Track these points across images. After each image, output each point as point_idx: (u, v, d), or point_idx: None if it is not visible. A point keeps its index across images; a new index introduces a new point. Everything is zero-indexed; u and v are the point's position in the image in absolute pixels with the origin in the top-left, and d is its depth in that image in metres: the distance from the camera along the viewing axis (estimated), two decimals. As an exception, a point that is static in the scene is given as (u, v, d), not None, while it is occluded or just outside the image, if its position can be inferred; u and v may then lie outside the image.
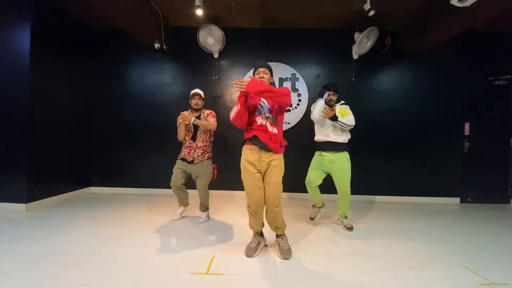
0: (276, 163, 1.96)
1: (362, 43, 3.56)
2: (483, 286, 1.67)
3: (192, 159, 2.71)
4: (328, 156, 2.65)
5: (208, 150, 2.80)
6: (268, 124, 1.94)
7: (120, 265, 1.81)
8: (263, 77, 1.99)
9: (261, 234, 2.17)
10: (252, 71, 2.18)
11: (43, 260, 1.85)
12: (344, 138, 2.67)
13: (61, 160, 3.60)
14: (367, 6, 2.96)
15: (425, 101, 3.92)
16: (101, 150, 4.14)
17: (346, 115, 2.64)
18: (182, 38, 4.01)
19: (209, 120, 2.75)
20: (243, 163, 1.98)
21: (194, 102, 2.75)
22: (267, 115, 1.96)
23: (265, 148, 1.93)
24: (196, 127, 2.72)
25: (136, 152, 4.12)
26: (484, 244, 2.38)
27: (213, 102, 4.05)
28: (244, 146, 2.04)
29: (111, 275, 1.67)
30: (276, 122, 1.98)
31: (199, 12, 3.14)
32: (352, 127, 2.62)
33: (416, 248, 2.23)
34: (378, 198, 3.93)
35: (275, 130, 1.96)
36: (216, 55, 3.92)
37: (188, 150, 2.74)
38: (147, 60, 4.08)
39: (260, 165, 1.95)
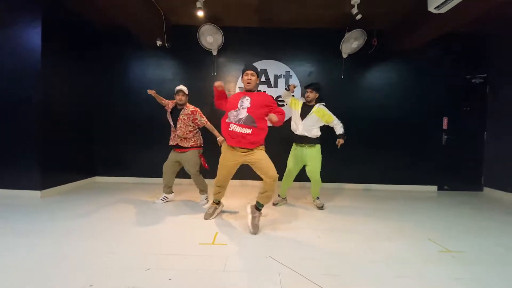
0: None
1: (349, 42, 3.86)
2: (441, 253, 2.02)
3: (175, 143, 2.99)
4: (301, 149, 3.04)
5: (192, 139, 3.01)
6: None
7: (136, 238, 2.12)
8: (250, 79, 2.35)
9: (218, 203, 2.75)
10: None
11: (66, 235, 2.14)
12: (313, 133, 2.99)
13: (70, 152, 3.84)
14: (354, 10, 3.23)
15: (408, 97, 4.27)
16: (105, 142, 4.39)
17: (330, 119, 3.01)
18: (182, 36, 4.23)
19: (201, 121, 2.98)
20: None
21: (178, 98, 2.93)
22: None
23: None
24: (176, 114, 2.97)
25: (138, 144, 4.38)
26: (452, 222, 2.76)
27: (212, 97, 4.28)
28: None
29: (131, 246, 1.98)
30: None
31: (200, 13, 3.37)
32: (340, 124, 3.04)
33: (390, 225, 2.60)
34: (363, 186, 4.30)
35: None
36: (215, 53, 4.16)
37: (172, 136, 3.05)
38: (149, 57, 4.31)
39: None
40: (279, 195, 3.28)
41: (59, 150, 3.63)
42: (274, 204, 3.18)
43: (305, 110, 3.03)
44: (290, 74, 4.28)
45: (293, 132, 3.11)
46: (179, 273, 1.61)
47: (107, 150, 4.40)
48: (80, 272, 1.60)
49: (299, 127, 3.00)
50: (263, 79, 4.27)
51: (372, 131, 4.28)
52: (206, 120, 3.03)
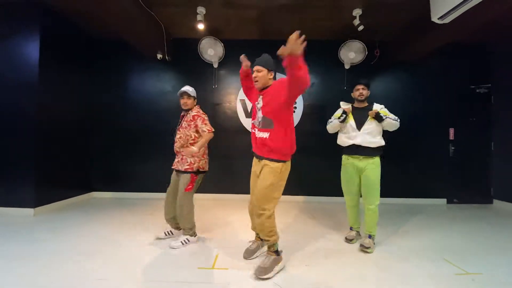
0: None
1: (346, 53, 3.88)
2: (459, 276, 1.87)
3: (175, 166, 2.42)
4: (355, 161, 2.34)
5: (188, 161, 2.33)
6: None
7: (131, 262, 1.97)
8: (256, 76, 1.91)
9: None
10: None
11: (54, 258, 2.01)
12: (376, 141, 2.30)
13: (66, 166, 3.73)
14: (356, 21, 3.20)
15: (413, 108, 4.18)
16: (104, 156, 4.28)
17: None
18: (183, 49, 4.21)
19: (201, 128, 2.31)
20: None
21: (182, 102, 2.39)
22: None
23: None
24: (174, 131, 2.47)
25: (137, 157, 4.27)
26: (466, 239, 2.60)
27: (213, 109, 4.24)
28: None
29: (125, 271, 1.84)
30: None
31: (201, 26, 3.35)
32: (398, 124, 2.32)
33: (402, 243, 2.45)
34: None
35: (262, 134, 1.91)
36: (215, 65, 4.12)
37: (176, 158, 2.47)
38: (149, 70, 4.27)
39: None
40: (351, 228, 2.55)
41: (54, 164, 3.52)
42: (349, 240, 2.44)
43: (360, 115, 2.35)
44: (292, 85, 4.22)
45: (339, 144, 2.48)
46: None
47: (105, 164, 4.29)
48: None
49: (357, 139, 2.29)
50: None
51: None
52: (210, 129, 2.31)
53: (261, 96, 1.94)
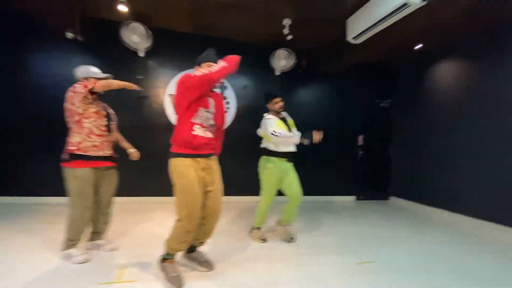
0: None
1: (277, 60, 4.08)
2: (358, 265, 2.14)
3: (109, 153, 2.02)
4: (281, 164, 2.48)
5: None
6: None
7: (16, 281, 1.58)
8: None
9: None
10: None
11: None
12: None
13: None
14: (286, 30, 3.38)
15: (330, 116, 4.69)
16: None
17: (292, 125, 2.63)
18: (102, 31, 3.67)
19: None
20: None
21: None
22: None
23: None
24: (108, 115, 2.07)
25: (37, 153, 3.54)
26: (366, 232, 3.02)
27: (138, 102, 3.85)
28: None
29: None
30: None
31: (123, 8, 2.98)
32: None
33: (314, 240, 2.66)
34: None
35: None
36: (141, 54, 3.74)
37: (99, 142, 1.94)
38: (57, 50, 3.58)
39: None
40: (259, 228, 2.59)
41: None
42: (264, 240, 2.52)
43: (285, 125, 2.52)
44: (225, 85, 4.19)
45: (266, 148, 2.51)
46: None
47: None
48: None
49: (292, 146, 2.54)
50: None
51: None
52: None
53: (212, 101, 1.81)
